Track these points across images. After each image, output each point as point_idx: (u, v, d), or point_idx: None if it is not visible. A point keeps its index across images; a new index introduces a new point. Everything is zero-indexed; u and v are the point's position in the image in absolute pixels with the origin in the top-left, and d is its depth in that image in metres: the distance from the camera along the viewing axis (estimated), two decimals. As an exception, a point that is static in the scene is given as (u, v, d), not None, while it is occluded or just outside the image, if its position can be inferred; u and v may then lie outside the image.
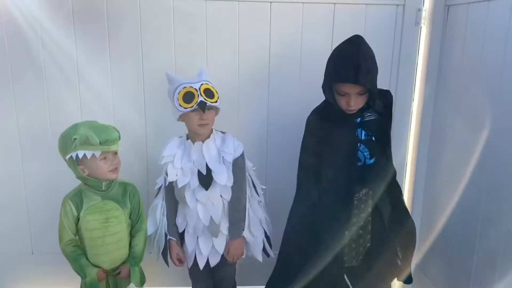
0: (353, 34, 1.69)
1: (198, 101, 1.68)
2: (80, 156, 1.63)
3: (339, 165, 1.72)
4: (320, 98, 2.17)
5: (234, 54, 2.20)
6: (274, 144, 2.33)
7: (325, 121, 1.76)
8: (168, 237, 1.87)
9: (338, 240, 1.76)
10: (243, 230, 1.85)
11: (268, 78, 2.25)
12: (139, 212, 1.85)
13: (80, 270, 1.74)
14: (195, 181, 1.76)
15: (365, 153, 1.74)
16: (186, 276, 2.40)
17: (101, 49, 2.16)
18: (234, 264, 1.99)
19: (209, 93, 1.73)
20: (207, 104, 1.70)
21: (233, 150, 1.80)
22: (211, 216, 1.79)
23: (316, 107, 1.84)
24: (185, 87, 1.72)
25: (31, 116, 2.23)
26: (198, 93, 1.70)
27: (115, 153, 1.74)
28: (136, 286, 1.84)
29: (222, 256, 1.89)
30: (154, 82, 2.21)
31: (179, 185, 1.76)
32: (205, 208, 1.79)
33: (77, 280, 1.86)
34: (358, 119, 1.74)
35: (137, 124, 2.25)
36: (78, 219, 1.73)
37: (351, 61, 1.59)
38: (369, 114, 1.75)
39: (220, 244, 1.86)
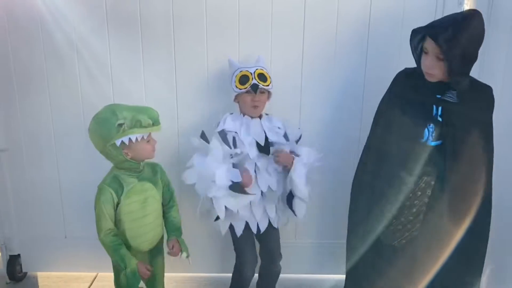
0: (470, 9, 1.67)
1: (252, 83, 1.86)
2: (133, 139, 1.61)
3: (404, 133, 1.68)
4: (354, 98, 2.21)
5: (266, 50, 2.16)
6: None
7: (409, 80, 1.72)
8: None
9: (384, 215, 1.75)
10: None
11: (301, 75, 2.21)
12: (169, 188, 1.91)
13: (120, 261, 1.69)
14: (254, 152, 1.91)
15: (431, 132, 1.65)
16: (210, 263, 2.47)
17: (134, 46, 2.16)
18: (277, 233, 2.10)
19: (262, 77, 1.90)
20: (259, 87, 1.87)
21: (282, 125, 2.01)
22: (268, 185, 1.94)
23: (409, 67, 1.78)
24: (241, 71, 1.91)
25: (65, 110, 2.27)
26: (253, 76, 1.88)
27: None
28: (187, 255, 1.90)
29: (270, 225, 2.02)
30: (187, 80, 2.21)
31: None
32: (263, 178, 1.93)
33: (108, 264, 1.87)
34: (439, 96, 1.63)
35: (168, 123, 2.23)
36: (117, 204, 1.70)
37: (445, 19, 1.56)
38: (451, 95, 1.62)
39: (270, 209, 1.99)
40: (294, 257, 2.40)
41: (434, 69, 1.56)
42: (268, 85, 1.91)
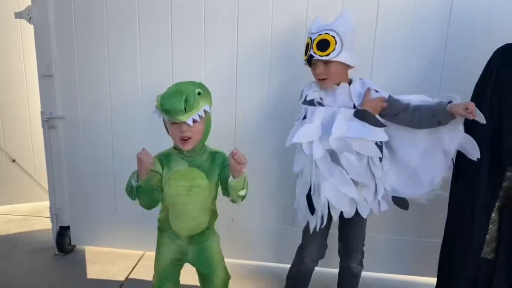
0: None
1: (308, 55, 1.58)
2: (154, 115, 1.56)
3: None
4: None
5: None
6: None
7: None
8: None
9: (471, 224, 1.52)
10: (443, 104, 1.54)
11: (373, 45, 1.99)
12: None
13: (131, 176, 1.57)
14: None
15: None
16: (266, 252, 2.31)
17: (196, 20, 2.10)
18: (364, 226, 1.75)
19: (322, 44, 1.55)
20: (314, 58, 1.56)
21: (378, 88, 1.62)
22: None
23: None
24: (308, 38, 1.62)
25: (123, 84, 2.23)
26: (311, 45, 1.57)
27: (190, 124, 1.51)
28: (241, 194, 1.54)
29: (357, 215, 1.64)
30: (248, 52, 2.09)
31: None
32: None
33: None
34: None
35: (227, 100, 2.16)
36: (161, 176, 1.60)
37: None
38: None
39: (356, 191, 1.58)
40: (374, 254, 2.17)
41: None
42: (327, 54, 1.53)
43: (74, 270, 2.28)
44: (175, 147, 1.63)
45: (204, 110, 1.52)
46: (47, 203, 2.50)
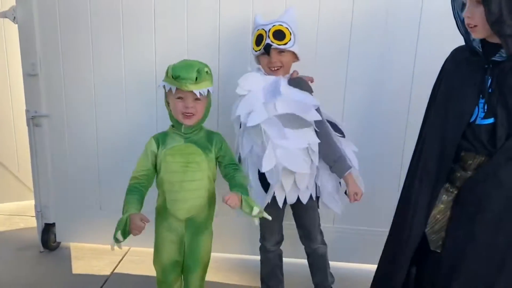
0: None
1: (265, 44, 1.66)
2: (160, 85, 1.61)
3: (449, 116, 1.46)
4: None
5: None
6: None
7: (458, 56, 1.51)
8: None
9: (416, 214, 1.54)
10: (349, 164, 1.74)
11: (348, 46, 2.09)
12: (232, 160, 1.71)
13: (124, 204, 1.59)
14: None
15: (481, 109, 1.38)
16: (244, 244, 2.38)
17: None
18: (316, 208, 1.87)
19: (279, 34, 1.66)
20: (272, 47, 1.65)
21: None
22: None
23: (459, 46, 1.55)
24: (258, 30, 1.70)
25: (107, 78, 2.26)
26: (266, 35, 1.66)
27: (196, 99, 1.59)
28: (254, 214, 1.60)
29: (309, 201, 1.79)
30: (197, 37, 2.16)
31: None
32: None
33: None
34: (492, 59, 1.36)
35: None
36: (156, 157, 1.66)
37: None
38: (500, 53, 1.32)
39: (301, 179, 1.72)
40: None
41: (474, 17, 1.31)
42: (285, 44, 1.66)
43: (60, 266, 2.30)
44: (172, 125, 1.69)
45: (208, 90, 1.59)
46: (31, 202, 2.52)
